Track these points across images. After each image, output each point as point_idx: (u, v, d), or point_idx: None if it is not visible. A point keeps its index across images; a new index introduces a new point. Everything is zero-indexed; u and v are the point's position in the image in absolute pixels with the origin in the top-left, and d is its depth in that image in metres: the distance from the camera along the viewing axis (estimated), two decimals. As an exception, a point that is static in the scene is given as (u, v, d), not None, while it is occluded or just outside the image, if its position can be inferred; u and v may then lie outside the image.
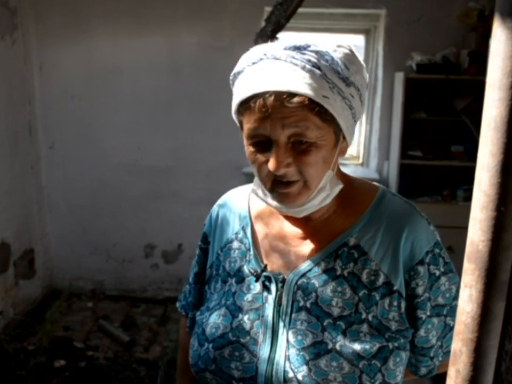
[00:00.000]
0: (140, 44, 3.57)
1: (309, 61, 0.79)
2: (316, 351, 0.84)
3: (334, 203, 0.93)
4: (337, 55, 0.82)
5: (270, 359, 0.86)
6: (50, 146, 3.79)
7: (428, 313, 0.90)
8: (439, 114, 3.44)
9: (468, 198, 3.44)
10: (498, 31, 0.42)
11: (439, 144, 3.60)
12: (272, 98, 0.78)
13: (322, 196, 0.87)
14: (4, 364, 2.92)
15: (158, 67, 3.61)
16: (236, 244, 0.99)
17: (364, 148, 3.91)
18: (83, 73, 3.65)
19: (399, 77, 3.40)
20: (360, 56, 0.87)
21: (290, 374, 0.84)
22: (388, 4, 3.43)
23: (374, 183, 0.99)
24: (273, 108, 0.78)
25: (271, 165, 0.81)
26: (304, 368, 0.83)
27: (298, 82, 0.77)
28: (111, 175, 3.80)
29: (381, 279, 0.87)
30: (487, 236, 0.44)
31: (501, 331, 0.46)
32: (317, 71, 0.78)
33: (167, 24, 3.52)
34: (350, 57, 0.83)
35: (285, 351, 0.86)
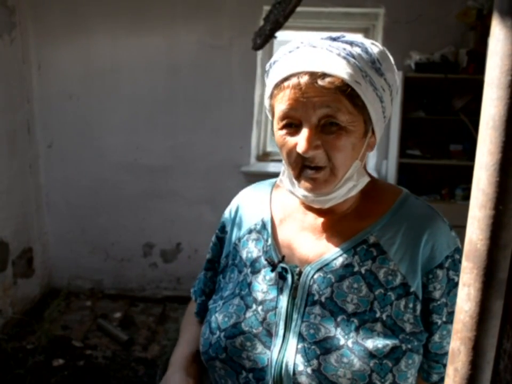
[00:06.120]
0: (138, 43, 3.56)
1: (344, 49, 0.82)
2: (328, 346, 0.84)
3: (356, 199, 0.93)
4: (372, 48, 0.84)
5: (282, 351, 0.86)
6: (49, 145, 3.78)
7: (444, 319, 0.89)
8: (437, 113, 3.45)
9: (467, 196, 3.44)
10: (496, 29, 0.42)
11: (438, 143, 3.61)
12: (306, 77, 0.80)
13: (348, 186, 0.87)
14: (3, 363, 2.92)
15: (156, 66, 3.61)
16: (254, 235, 0.99)
17: (363, 146, 3.90)
18: (81, 72, 3.65)
19: (398, 76, 3.40)
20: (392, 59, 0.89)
21: (300, 367, 0.84)
22: (386, 2, 3.43)
23: (398, 186, 0.99)
24: (306, 86, 0.80)
25: (300, 146, 0.82)
26: (315, 362, 0.83)
27: (333, 65, 0.80)
28: (109, 174, 3.80)
29: (398, 280, 0.87)
30: (486, 235, 0.44)
31: (499, 330, 0.46)
32: (351, 59, 0.81)
33: (165, 23, 3.52)
34: (383, 54, 0.86)
35: (297, 344, 0.86)
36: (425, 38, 3.42)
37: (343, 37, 0.84)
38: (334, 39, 0.84)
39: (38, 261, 3.81)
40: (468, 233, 0.46)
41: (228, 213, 1.08)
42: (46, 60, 3.64)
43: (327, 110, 0.80)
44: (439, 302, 0.88)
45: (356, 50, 0.82)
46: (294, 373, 0.84)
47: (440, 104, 3.44)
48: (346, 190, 0.87)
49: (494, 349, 0.47)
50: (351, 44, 0.83)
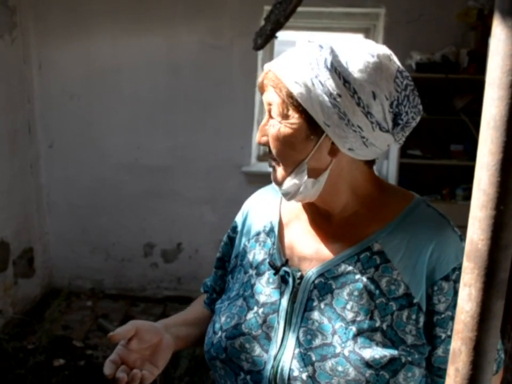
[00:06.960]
0: (139, 43, 3.57)
1: (311, 51, 0.81)
2: (324, 353, 0.83)
3: (355, 203, 0.91)
4: (346, 54, 0.79)
5: (278, 355, 0.86)
6: (50, 145, 3.79)
7: (449, 332, 0.85)
8: (438, 114, 3.44)
9: (467, 197, 3.44)
10: (497, 29, 0.42)
11: (439, 143, 3.60)
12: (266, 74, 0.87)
13: (290, 183, 0.86)
14: (3, 362, 2.92)
15: (157, 66, 3.61)
16: (262, 237, 0.99)
17: (363, 147, 3.91)
18: (82, 72, 3.65)
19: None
20: (390, 68, 0.81)
21: (295, 373, 0.83)
22: (387, 2, 3.43)
23: (411, 192, 0.94)
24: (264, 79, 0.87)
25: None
26: (310, 368, 0.82)
27: (283, 64, 0.83)
28: (110, 174, 3.80)
29: (401, 290, 0.84)
30: (487, 235, 0.44)
31: (500, 330, 0.46)
32: (307, 59, 0.80)
33: (166, 23, 3.52)
34: (367, 63, 0.79)
35: (293, 349, 0.85)
36: (426, 38, 3.42)
37: (318, 39, 0.82)
38: (312, 41, 0.82)
39: (39, 261, 3.81)
40: (469, 234, 0.46)
41: (240, 214, 1.08)
42: (46, 59, 3.64)
43: (269, 94, 0.85)
44: (443, 315, 0.84)
45: (320, 52, 0.79)
46: (288, 378, 0.83)
47: (441, 104, 3.43)
48: (294, 188, 0.86)
49: (495, 349, 0.47)
50: (321, 46, 0.80)
